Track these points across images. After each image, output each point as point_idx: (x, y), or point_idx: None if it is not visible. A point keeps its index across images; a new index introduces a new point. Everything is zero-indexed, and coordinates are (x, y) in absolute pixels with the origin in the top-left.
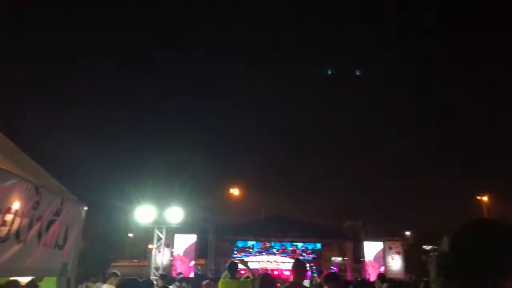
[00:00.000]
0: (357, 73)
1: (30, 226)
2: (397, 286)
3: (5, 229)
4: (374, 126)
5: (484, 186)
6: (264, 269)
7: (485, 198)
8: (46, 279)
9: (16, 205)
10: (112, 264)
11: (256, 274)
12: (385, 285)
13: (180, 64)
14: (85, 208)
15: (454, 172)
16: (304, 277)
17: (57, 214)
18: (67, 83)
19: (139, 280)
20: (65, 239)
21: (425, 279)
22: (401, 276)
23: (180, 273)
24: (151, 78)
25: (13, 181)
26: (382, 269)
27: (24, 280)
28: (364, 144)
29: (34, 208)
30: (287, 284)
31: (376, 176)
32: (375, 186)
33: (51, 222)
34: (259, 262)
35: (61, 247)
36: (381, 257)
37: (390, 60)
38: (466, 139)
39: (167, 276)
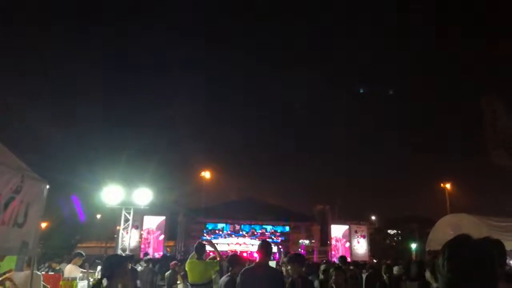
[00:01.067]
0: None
1: None
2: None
3: None
4: (348, 119)
5: (447, 174)
6: (233, 251)
7: (448, 186)
8: (7, 258)
9: None
10: (79, 245)
11: (225, 256)
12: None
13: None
14: (47, 186)
15: (419, 159)
16: (270, 257)
17: (17, 191)
18: (32, 53)
19: (122, 254)
20: (25, 217)
21: (388, 262)
22: (365, 259)
23: (147, 253)
24: (125, 59)
25: None
26: (347, 245)
27: None
28: (336, 133)
29: None
30: (253, 264)
31: (344, 162)
32: (343, 172)
33: (10, 200)
34: (228, 244)
35: (20, 225)
36: (347, 236)
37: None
38: (430, 126)
39: (133, 257)
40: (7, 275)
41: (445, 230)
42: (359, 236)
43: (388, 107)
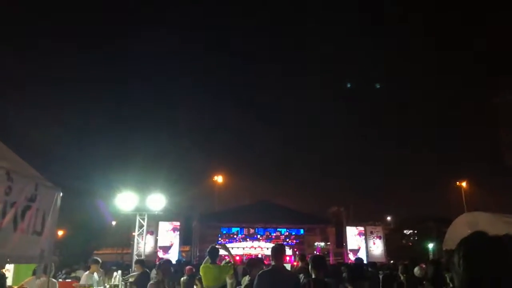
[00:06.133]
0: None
1: (4, 212)
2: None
3: None
4: (362, 119)
5: (463, 172)
6: (248, 254)
7: (463, 184)
8: (24, 266)
9: None
10: (95, 252)
11: (240, 260)
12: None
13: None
14: (61, 194)
15: (434, 158)
16: (283, 260)
17: (32, 200)
18: (41, 57)
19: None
20: (42, 225)
21: (405, 262)
22: (382, 259)
23: (162, 259)
24: (136, 64)
25: None
26: (363, 246)
27: None
28: (349, 134)
29: (7, 194)
30: (269, 267)
31: (358, 163)
32: (357, 173)
33: (27, 208)
34: (243, 248)
35: (39, 234)
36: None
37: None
38: (445, 125)
39: (144, 261)
40: (22, 283)
41: (462, 228)
42: (375, 237)
43: (402, 106)
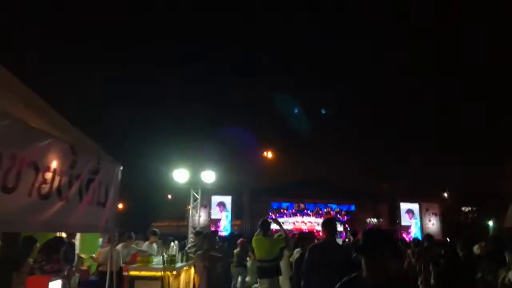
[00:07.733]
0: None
1: (70, 184)
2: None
3: (46, 187)
4: (420, 91)
5: None
6: (298, 229)
7: None
8: (87, 236)
9: (54, 164)
10: (153, 224)
11: (290, 235)
12: None
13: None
14: (121, 168)
15: (495, 132)
16: (335, 235)
17: (95, 173)
18: (102, 26)
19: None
20: (106, 197)
21: (464, 239)
22: (438, 237)
23: (216, 231)
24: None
25: (49, 140)
26: (418, 223)
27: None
28: (404, 105)
29: (72, 167)
30: (320, 241)
31: (414, 135)
32: (412, 146)
33: (90, 181)
34: (294, 223)
35: (103, 205)
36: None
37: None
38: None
39: (202, 233)
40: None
41: None
42: (431, 214)
43: (468, 76)
